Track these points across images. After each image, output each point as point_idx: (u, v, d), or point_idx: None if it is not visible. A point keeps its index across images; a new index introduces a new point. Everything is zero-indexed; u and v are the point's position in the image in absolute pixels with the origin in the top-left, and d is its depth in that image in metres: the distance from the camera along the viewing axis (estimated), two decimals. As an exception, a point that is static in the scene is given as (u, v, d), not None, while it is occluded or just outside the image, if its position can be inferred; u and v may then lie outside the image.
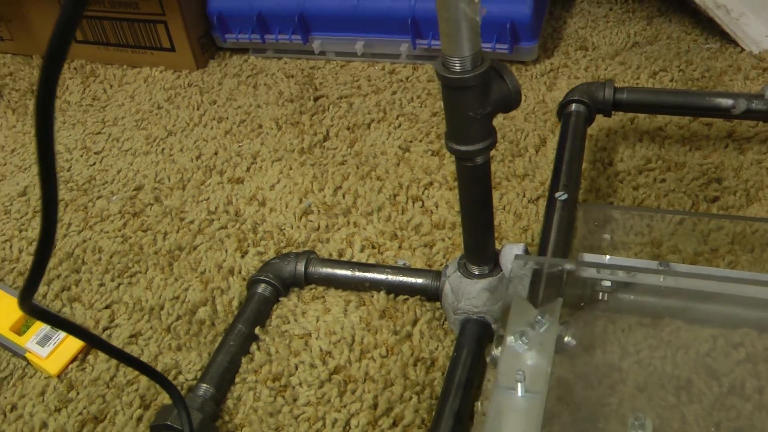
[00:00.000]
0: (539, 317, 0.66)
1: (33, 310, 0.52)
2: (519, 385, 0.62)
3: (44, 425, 0.79)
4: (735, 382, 0.73)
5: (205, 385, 0.77)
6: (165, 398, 0.80)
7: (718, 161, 1.04)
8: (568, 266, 0.72)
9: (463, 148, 0.69)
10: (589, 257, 0.80)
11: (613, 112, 1.04)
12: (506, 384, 0.63)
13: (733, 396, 0.72)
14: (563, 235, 0.80)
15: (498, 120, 1.10)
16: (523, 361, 0.64)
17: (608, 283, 0.74)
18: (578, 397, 0.73)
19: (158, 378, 0.68)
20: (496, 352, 0.66)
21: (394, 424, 0.73)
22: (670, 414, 0.71)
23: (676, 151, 1.06)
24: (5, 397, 0.83)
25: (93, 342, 0.60)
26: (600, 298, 0.75)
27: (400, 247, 0.92)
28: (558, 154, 0.91)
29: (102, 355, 0.85)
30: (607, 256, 0.81)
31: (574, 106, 1.00)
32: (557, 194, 0.84)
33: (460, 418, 0.71)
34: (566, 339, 0.68)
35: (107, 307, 0.92)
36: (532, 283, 0.70)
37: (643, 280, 0.74)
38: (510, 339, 0.65)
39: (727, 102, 0.99)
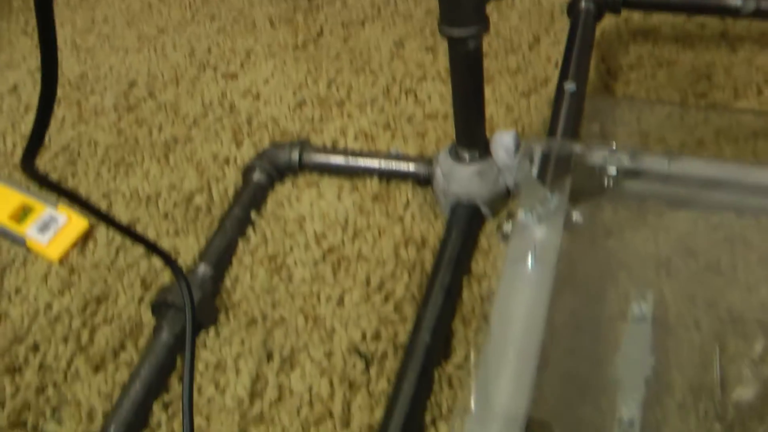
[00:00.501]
0: (549, 194, 0.69)
1: (34, 173, 0.55)
2: (529, 257, 0.65)
3: (49, 307, 0.83)
4: (711, 260, 0.77)
5: (203, 265, 0.81)
6: (165, 279, 0.84)
7: (710, 60, 1.06)
8: (578, 149, 0.75)
9: (456, 31, 0.72)
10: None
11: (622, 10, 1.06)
12: (517, 257, 0.66)
13: (708, 272, 0.76)
14: (571, 123, 0.83)
15: (493, 19, 1.12)
16: (533, 235, 0.68)
17: (614, 171, 0.77)
18: (578, 273, 0.77)
19: (161, 254, 0.72)
20: (507, 227, 0.69)
21: (386, 299, 0.78)
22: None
23: (668, 49, 1.09)
24: (9, 283, 0.87)
25: (96, 214, 0.64)
26: (606, 185, 0.78)
27: (393, 137, 0.95)
28: (567, 48, 0.93)
29: (102, 240, 0.89)
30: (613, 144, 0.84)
31: (584, 3, 1.02)
32: (566, 85, 0.86)
33: (450, 292, 0.75)
34: (574, 216, 0.71)
35: (104, 196, 0.95)
36: (542, 165, 0.73)
37: (650, 167, 0.77)
38: (521, 214, 0.68)
39: (736, 2, 1.01)
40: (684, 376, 0.68)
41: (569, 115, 0.85)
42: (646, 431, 0.65)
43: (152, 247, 0.71)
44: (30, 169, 0.53)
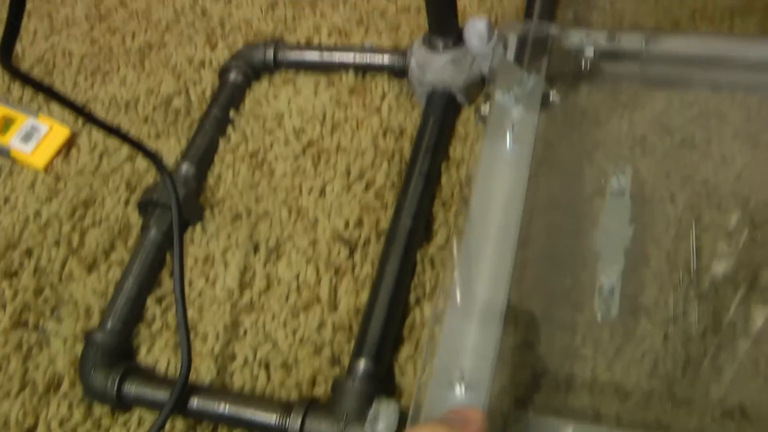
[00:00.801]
0: (526, 75, 0.70)
1: (15, 71, 0.56)
2: (508, 136, 0.66)
3: (38, 214, 0.85)
4: (686, 136, 0.80)
5: (186, 164, 0.83)
6: (149, 181, 0.85)
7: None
8: (553, 30, 0.76)
9: None
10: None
11: None
12: (495, 137, 0.67)
13: (684, 148, 0.79)
14: (547, 7, 0.84)
15: None
16: (510, 115, 0.69)
17: (591, 53, 0.78)
18: (557, 152, 0.79)
19: (145, 151, 0.73)
20: (484, 109, 0.70)
21: (367, 188, 0.80)
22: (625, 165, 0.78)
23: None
24: (-4, 192, 0.89)
25: (80, 113, 0.65)
26: (584, 67, 0.79)
27: (366, 32, 0.96)
28: None
29: (85, 148, 0.90)
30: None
31: None
32: None
33: (429, 178, 0.77)
34: (551, 96, 0.73)
35: (83, 105, 0.96)
36: (518, 47, 0.74)
37: (627, 47, 0.79)
38: (498, 95, 0.70)
39: None
40: (661, 248, 0.72)
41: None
42: (625, 299, 0.69)
43: (136, 145, 0.72)
44: (9, 66, 0.54)
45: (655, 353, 0.66)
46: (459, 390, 0.54)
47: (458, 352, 0.55)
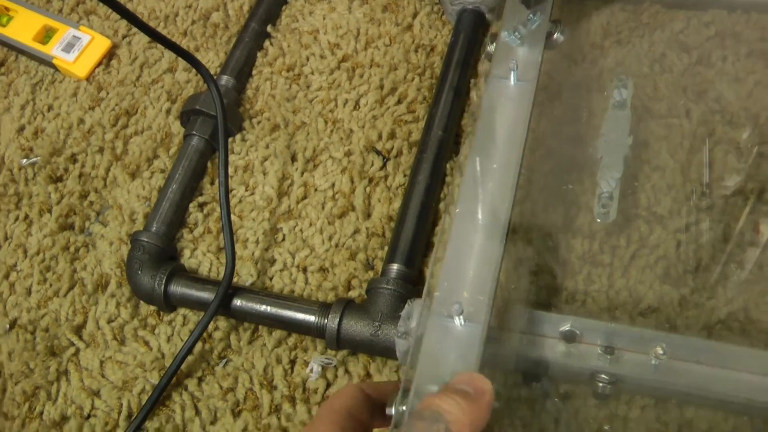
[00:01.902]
0: (531, 15, 0.70)
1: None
2: (512, 74, 0.66)
3: (81, 121, 0.86)
4: (703, 54, 0.79)
5: (225, 76, 0.83)
6: (189, 92, 0.85)
7: None
8: None
9: None
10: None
11: None
12: (500, 74, 0.67)
13: (700, 66, 0.78)
14: None
15: None
16: (515, 53, 0.69)
17: None
18: (566, 76, 0.79)
19: (191, 59, 0.73)
20: (490, 47, 0.70)
21: (399, 102, 0.80)
22: (644, 82, 0.78)
23: None
24: (40, 99, 0.89)
25: (127, 17, 0.65)
26: None
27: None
28: None
29: (125, 59, 0.90)
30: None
31: None
32: None
33: (459, 92, 0.77)
34: (555, 35, 0.72)
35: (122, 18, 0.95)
36: None
37: None
38: (504, 34, 0.69)
39: None
40: (676, 160, 0.72)
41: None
42: (624, 203, 0.70)
43: (182, 53, 0.72)
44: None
45: (668, 259, 0.67)
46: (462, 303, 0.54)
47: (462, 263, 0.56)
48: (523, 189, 0.70)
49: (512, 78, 0.66)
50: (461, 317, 0.51)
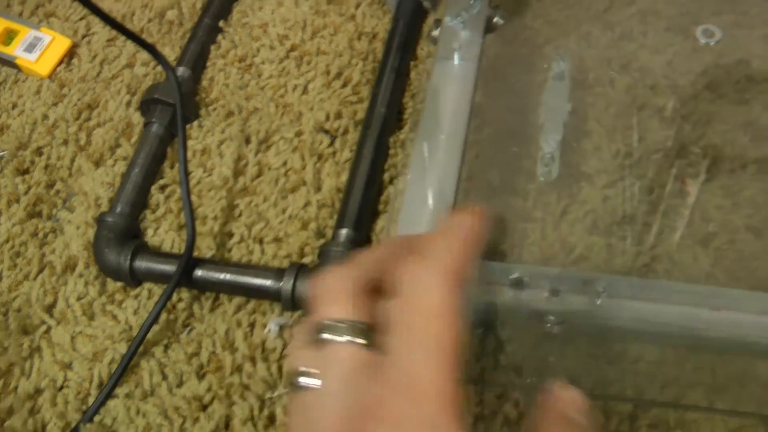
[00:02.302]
0: (472, 1, 0.77)
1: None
2: (455, 54, 0.72)
3: (45, 116, 0.89)
4: (625, 30, 0.85)
5: (182, 67, 0.87)
6: (148, 85, 0.89)
7: None
8: None
9: None
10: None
11: None
12: (445, 55, 0.73)
13: (623, 41, 0.84)
14: None
15: None
16: (458, 36, 0.75)
17: None
18: (507, 55, 0.85)
19: (149, 48, 0.78)
20: (435, 32, 0.77)
21: (344, 85, 0.85)
22: (572, 56, 0.83)
23: None
24: (5, 98, 0.92)
25: (91, 8, 0.69)
26: None
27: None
28: None
29: (85, 57, 0.94)
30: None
31: None
32: None
33: (399, 73, 0.82)
34: (495, 19, 0.78)
35: (82, 18, 0.99)
36: None
37: None
38: (447, 19, 0.76)
39: None
40: (602, 125, 0.78)
41: None
42: (564, 163, 0.75)
43: (142, 42, 0.77)
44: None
45: (595, 213, 0.73)
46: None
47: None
48: (471, 159, 0.75)
49: (456, 58, 0.72)
50: None
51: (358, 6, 0.91)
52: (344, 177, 0.78)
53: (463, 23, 0.75)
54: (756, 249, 0.69)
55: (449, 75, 0.72)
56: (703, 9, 0.85)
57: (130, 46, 0.94)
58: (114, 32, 0.96)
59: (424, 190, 0.63)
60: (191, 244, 0.72)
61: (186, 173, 0.74)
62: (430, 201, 0.63)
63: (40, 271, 0.78)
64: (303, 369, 0.38)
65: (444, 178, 0.63)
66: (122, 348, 0.72)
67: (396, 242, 0.45)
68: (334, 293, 0.39)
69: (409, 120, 0.80)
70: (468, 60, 0.73)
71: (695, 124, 0.77)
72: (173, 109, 0.81)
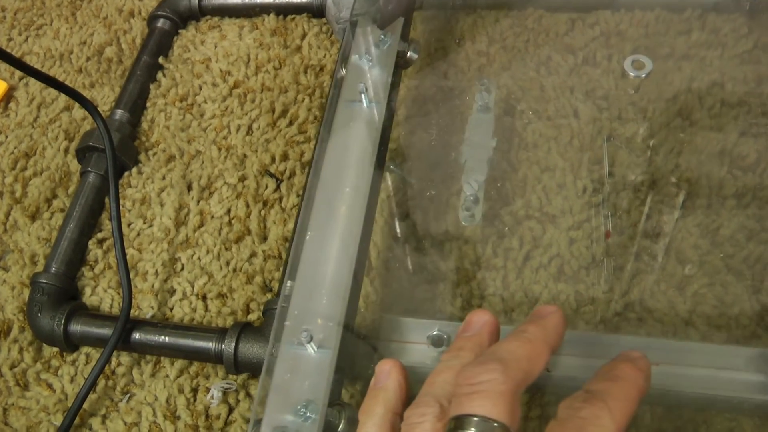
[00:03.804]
0: (383, 36, 0.68)
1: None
2: (363, 96, 0.63)
3: (-20, 167, 0.83)
4: (588, 55, 0.79)
5: (120, 110, 0.81)
6: (86, 128, 0.83)
7: None
8: None
9: None
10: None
11: None
12: (350, 97, 0.64)
13: (586, 66, 0.78)
14: None
15: None
16: (366, 76, 0.66)
17: None
18: (449, 80, 0.79)
19: (78, 97, 0.71)
20: (341, 72, 0.67)
21: (291, 123, 0.79)
22: (531, 84, 0.77)
23: None
24: (-61, 148, 0.86)
25: (17, 64, 0.63)
26: None
27: (287, -27, 0.94)
28: None
29: (23, 101, 0.88)
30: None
31: None
32: None
33: (347, 109, 0.76)
34: (409, 54, 0.70)
35: (19, 58, 0.93)
36: (381, 6, 0.71)
37: None
38: (354, 57, 0.67)
39: None
40: (566, 159, 0.72)
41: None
42: (515, 205, 0.69)
43: (70, 91, 0.71)
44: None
45: (561, 258, 0.67)
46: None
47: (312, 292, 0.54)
48: (389, 204, 0.70)
49: (364, 100, 0.64)
50: (313, 344, 0.49)
51: (303, 36, 0.85)
52: (291, 225, 0.72)
53: (371, 61, 0.67)
54: (738, 292, 0.63)
55: (354, 119, 0.63)
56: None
57: (69, 88, 0.88)
58: (51, 73, 0.90)
59: (325, 244, 0.56)
60: (128, 306, 0.66)
61: (120, 231, 0.68)
62: (331, 256, 0.56)
63: (-26, 335, 0.72)
64: None
65: (347, 234, 0.56)
66: (58, 420, 0.66)
67: (538, 338, 0.41)
68: (493, 391, 0.37)
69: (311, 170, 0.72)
70: (376, 101, 0.64)
71: (667, 154, 0.71)
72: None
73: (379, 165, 0.62)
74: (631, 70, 0.76)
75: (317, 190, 0.59)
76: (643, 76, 0.76)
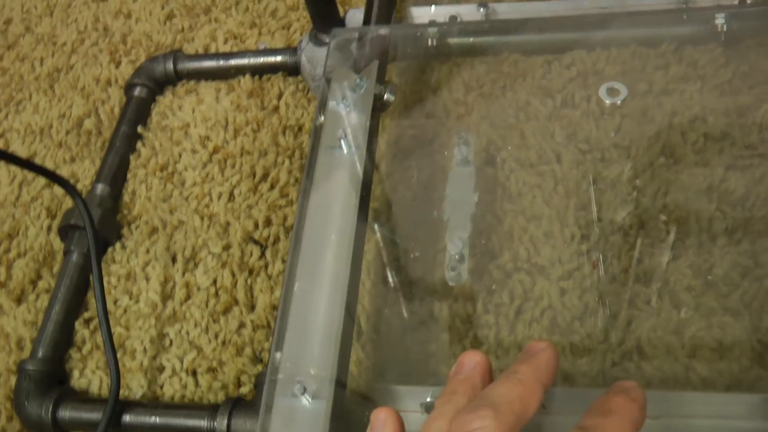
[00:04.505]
0: (358, 81, 0.68)
1: None
2: (342, 142, 0.63)
3: (-38, 249, 0.82)
4: (567, 97, 0.78)
5: (100, 185, 0.80)
6: (69, 205, 0.82)
7: None
8: (383, 31, 0.73)
9: None
10: (416, 11, 0.82)
11: None
12: (330, 144, 0.64)
13: (565, 108, 0.77)
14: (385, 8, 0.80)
15: None
16: (345, 122, 0.66)
17: (435, 33, 0.76)
18: (423, 135, 0.77)
19: (57, 179, 0.70)
20: (320, 119, 0.67)
21: (272, 187, 0.77)
22: (510, 132, 0.76)
23: None
24: None
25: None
26: (429, 44, 0.77)
27: (260, 34, 0.93)
28: None
29: (4, 179, 0.86)
30: (432, 7, 0.82)
31: None
32: None
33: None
34: (386, 96, 0.69)
35: (0, 136, 0.92)
36: (357, 51, 0.71)
37: (466, 26, 0.77)
38: (332, 104, 0.66)
39: None
40: (551, 206, 0.70)
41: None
42: (502, 258, 0.67)
43: (48, 174, 0.70)
44: None
45: (553, 309, 0.65)
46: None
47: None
48: (375, 266, 0.68)
49: (344, 146, 0.63)
50: (306, 395, 0.49)
51: (280, 96, 0.84)
52: (278, 292, 0.70)
53: (349, 106, 0.66)
54: (737, 333, 0.61)
55: (336, 166, 0.62)
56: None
57: (49, 163, 0.87)
58: (32, 149, 0.89)
59: (314, 295, 0.55)
60: (116, 389, 0.64)
61: (105, 313, 0.66)
62: (321, 307, 0.55)
63: (-37, 425, 0.70)
64: None
65: (335, 281, 0.56)
66: None
67: (530, 378, 0.41)
68: None
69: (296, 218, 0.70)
70: (356, 146, 0.63)
71: (654, 194, 0.69)
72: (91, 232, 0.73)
73: (363, 210, 0.61)
74: (606, 98, 0.74)
75: (303, 240, 0.58)
76: (619, 102, 0.75)
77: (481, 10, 0.82)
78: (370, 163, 0.64)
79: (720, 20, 0.75)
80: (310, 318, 0.54)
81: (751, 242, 0.66)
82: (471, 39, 0.81)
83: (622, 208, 0.70)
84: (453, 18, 0.82)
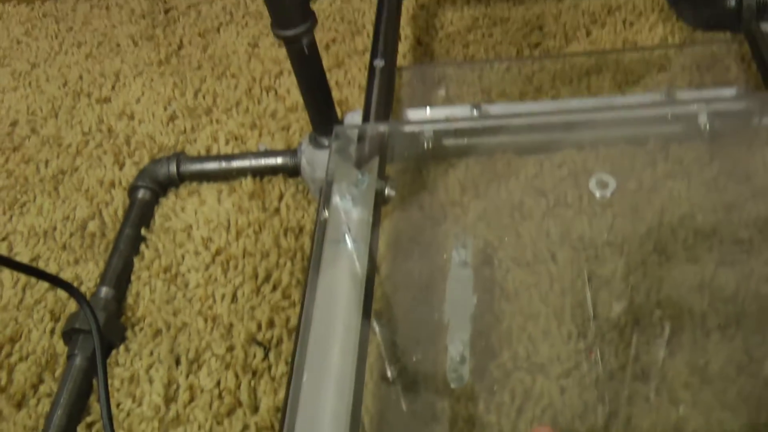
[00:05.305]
0: (360, 176, 0.70)
1: None
2: (346, 236, 0.65)
3: (-36, 354, 0.82)
4: (559, 195, 0.80)
5: (105, 288, 0.81)
6: (72, 308, 0.82)
7: (539, 11, 1.08)
8: (382, 128, 0.76)
9: (287, 32, 0.73)
10: (412, 113, 0.85)
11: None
12: (335, 238, 0.66)
13: (558, 207, 0.79)
14: (383, 98, 0.83)
15: (336, 4, 1.12)
16: (348, 216, 0.68)
17: (431, 133, 0.78)
18: (422, 236, 0.79)
19: (62, 284, 0.71)
20: (324, 214, 0.69)
21: (274, 288, 0.78)
22: (506, 232, 0.77)
23: (500, 8, 1.10)
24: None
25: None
26: (425, 146, 0.79)
27: (260, 135, 0.95)
28: (376, 24, 0.92)
29: (7, 283, 0.87)
30: (428, 108, 0.85)
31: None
32: (375, 62, 0.86)
33: (329, 271, 0.76)
34: (386, 191, 0.72)
35: (4, 239, 0.93)
36: (357, 148, 0.74)
37: (460, 124, 0.80)
38: (336, 200, 0.69)
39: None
40: (548, 305, 0.71)
41: (380, 90, 0.83)
42: (501, 357, 0.68)
43: (53, 280, 0.70)
44: None
45: (554, 407, 0.65)
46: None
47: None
48: (377, 368, 0.69)
49: (348, 240, 0.65)
50: None
51: (281, 198, 0.86)
52: (281, 394, 0.71)
53: (352, 201, 0.68)
54: (735, 429, 0.62)
55: (341, 258, 0.65)
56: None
57: (53, 266, 0.87)
58: (35, 252, 0.90)
59: (322, 394, 0.56)
60: (120, 498, 0.64)
61: (110, 419, 0.66)
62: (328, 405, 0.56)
63: None
64: None
65: (341, 378, 0.57)
66: None
67: None
68: None
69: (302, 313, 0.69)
70: (359, 241, 0.66)
71: (648, 292, 0.70)
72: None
73: (367, 305, 0.62)
74: (596, 190, 0.76)
75: (310, 333, 0.60)
76: (608, 195, 0.77)
77: (475, 111, 0.84)
78: (374, 257, 0.66)
79: (703, 119, 0.78)
80: (319, 408, 0.55)
81: (744, 338, 0.67)
82: (465, 140, 0.83)
83: (616, 304, 0.71)
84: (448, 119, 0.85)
